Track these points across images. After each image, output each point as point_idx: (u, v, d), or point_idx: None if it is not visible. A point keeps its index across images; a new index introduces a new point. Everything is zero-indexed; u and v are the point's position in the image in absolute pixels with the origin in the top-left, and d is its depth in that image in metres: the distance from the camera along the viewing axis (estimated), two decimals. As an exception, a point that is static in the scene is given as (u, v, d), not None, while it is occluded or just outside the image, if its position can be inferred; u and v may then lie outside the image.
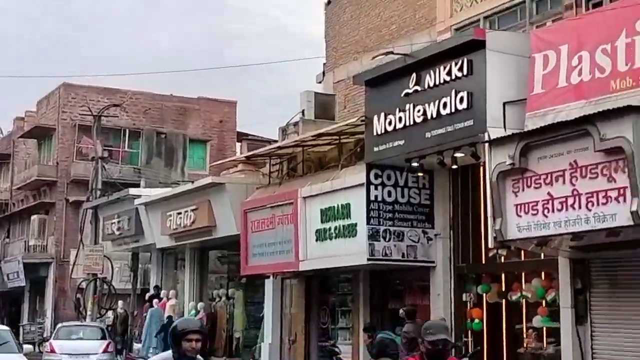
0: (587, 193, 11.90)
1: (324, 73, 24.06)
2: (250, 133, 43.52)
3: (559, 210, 12.31)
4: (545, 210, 12.54)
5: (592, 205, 11.81)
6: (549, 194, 12.51)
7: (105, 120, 33.60)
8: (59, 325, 25.37)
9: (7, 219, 45.97)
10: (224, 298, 26.72)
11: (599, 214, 11.71)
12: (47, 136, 41.55)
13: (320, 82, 24.30)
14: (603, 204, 11.65)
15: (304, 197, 19.27)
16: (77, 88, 40.23)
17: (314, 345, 21.82)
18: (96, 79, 42.43)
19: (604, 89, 12.40)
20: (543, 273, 15.41)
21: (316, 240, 18.76)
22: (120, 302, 29.99)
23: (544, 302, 15.24)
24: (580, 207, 11.99)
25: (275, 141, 27.21)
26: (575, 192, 12.08)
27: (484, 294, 16.49)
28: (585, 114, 12.07)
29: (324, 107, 22.68)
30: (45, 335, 38.69)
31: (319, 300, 22.12)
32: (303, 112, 22.66)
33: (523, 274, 16.10)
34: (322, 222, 18.53)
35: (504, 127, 13.71)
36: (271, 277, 22.40)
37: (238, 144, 43.53)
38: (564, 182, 12.29)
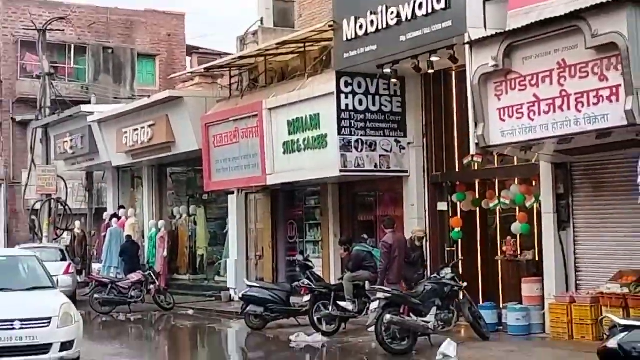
0: (576, 93, 11.45)
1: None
2: (201, 46, 42.54)
3: (546, 113, 11.87)
4: (531, 113, 12.08)
5: (582, 106, 11.37)
6: (535, 95, 12.04)
7: (49, 36, 32.11)
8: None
9: (-48, 142, 44.60)
10: (185, 215, 26.09)
11: (589, 114, 11.27)
12: (-9, 53, 39.98)
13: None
14: (594, 104, 11.23)
15: (269, 109, 18.55)
16: (17, 1, 38.50)
17: (282, 259, 21.47)
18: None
19: (593, -18, 11.75)
20: (518, 179, 14.98)
21: (284, 153, 18.16)
22: (77, 223, 29.19)
23: (517, 208, 15.02)
24: (569, 108, 11.54)
25: (228, 54, 26.41)
26: (563, 93, 11.62)
27: (459, 203, 16.14)
28: (573, 9, 11.41)
29: (283, 14, 21.83)
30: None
31: (286, 215, 21.68)
32: (262, 20, 21.78)
33: (497, 181, 15.80)
34: (289, 134, 17.90)
35: (485, 27, 13.10)
36: (235, 193, 21.87)
37: (188, 58, 42.58)
38: (551, 82, 11.82)
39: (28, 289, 12.28)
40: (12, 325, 10.72)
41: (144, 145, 24.13)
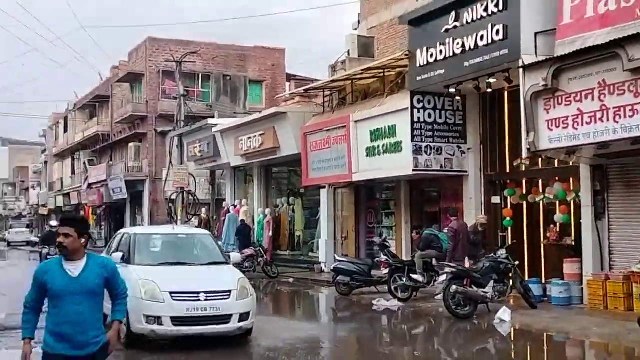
0: (614, 107, 10.84)
1: (359, 21, 22.82)
2: (297, 74, 42.62)
3: (588, 124, 11.26)
4: (575, 124, 11.47)
5: (619, 117, 10.77)
6: (578, 109, 11.42)
7: (183, 67, 32.60)
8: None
9: (110, 147, 45.64)
10: (285, 205, 26.05)
11: (625, 125, 10.69)
12: (138, 80, 40.74)
13: (356, 29, 23.06)
14: (630, 116, 10.63)
15: (355, 121, 18.31)
16: (160, 41, 39.34)
17: (363, 240, 21.15)
18: (174, 33, 41.77)
19: (629, 16, 11.07)
20: (559, 178, 14.35)
21: (366, 156, 17.87)
22: (203, 209, 29.41)
23: (557, 202, 14.40)
24: (608, 119, 10.94)
25: (318, 80, 26.30)
26: (603, 107, 11.01)
27: (509, 197, 15.57)
28: (612, 39, 10.82)
29: (365, 47, 21.43)
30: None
31: (366, 205, 21.35)
32: (348, 52, 21.48)
33: (540, 180, 15.16)
34: (371, 141, 17.60)
35: (536, 54, 12.49)
36: (326, 187, 21.68)
37: (287, 83, 42.68)
38: (592, 99, 11.20)
39: (206, 264, 11.12)
40: (198, 297, 9.74)
41: (255, 150, 24.16)
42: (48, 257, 18.82)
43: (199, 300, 9.70)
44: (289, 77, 42.28)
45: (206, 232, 14.27)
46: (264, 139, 23.35)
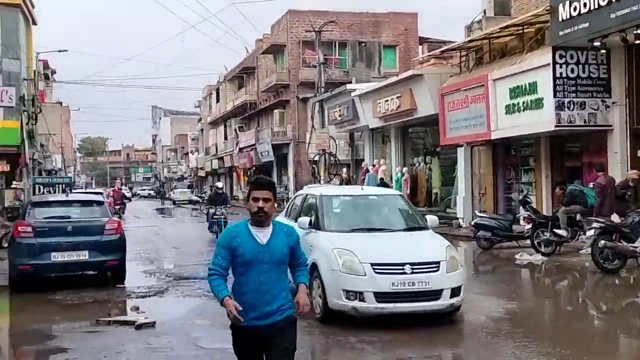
0: None
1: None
2: (429, 37, 41.39)
3: None
4: None
5: None
6: None
7: (321, 36, 32.58)
8: (306, 187, 25.14)
9: (257, 114, 46.88)
10: (422, 164, 25.48)
11: None
12: (280, 51, 41.36)
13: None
14: None
15: (494, 80, 17.45)
16: (299, 13, 39.62)
17: (501, 196, 20.31)
18: (312, 4, 42.03)
19: None
20: None
21: (505, 113, 17.02)
22: (344, 169, 29.56)
23: None
24: None
25: (450, 41, 25.28)
26: None
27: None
28: None
29: (501, 6, 20.33)
30: (289, 195, 39.54)
31: (504, 162, 20.41)
32: (484, 11, 20.47)
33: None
34: (510, 98, 16.72)
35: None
36: (463, 146, 20.92)
37: (420, 47, 41.56)
38: None
39: (405, 230, 9.07)
40: (403, 269, 7.86)
41: (392, 112, 23.73)
42: (214, 217, 19.60)
43: (405, 273, 7.88)
44: (422, 41, 41.08)
45: (397, 192, 12.77)
46: (401, 101, 22.85)
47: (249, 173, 50.62)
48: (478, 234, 15.84)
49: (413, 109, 22.51)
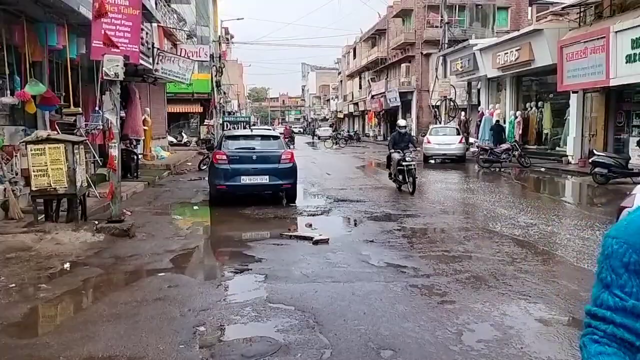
0: None
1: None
2: (538, -1, 37.07)
3: None
4: None
5: None
6: None
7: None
8: (431, 127, 23.57)
9: (386, 68, 44.91)
10: (534, 108, 22.91)
11: None
12: (408, 15, 38.87)
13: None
14: None
15: (615, 32, 14.75)
16: (426, -20, 36.81)
17: (611, 137, 17.67)
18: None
19: None
20: None
21: (625, 62, 14.43)
22: (462, 113, 27.50)
23: None
24: None
25: (558, 3, 22.04)
26: None
27: None
28: None
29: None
30: (411, 134, 37.92)
31: (616, 107, 17.63)
32: (606, -31, 17.25)
33: None
34: (632, 48, 14.10)
35: None
36: (578, 92, 18.31)
37: (529, 8, 37.35)
38: None
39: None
40: None
41: (510, 63, 21.35)
42: (402, 164, 12.04)
43: None
44: (531, 2, 37.02)
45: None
46: (520, 53, 20.41)
47: (379, 116, 49.23)
48: (595, 170, 13.81)
49: (531, 60, 20.06)
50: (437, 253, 6.83)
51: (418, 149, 13.90)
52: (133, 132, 15.00)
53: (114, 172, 7.74)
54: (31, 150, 7.22)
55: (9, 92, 8.07)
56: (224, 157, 10.51)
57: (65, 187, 7.43)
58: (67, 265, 6.27)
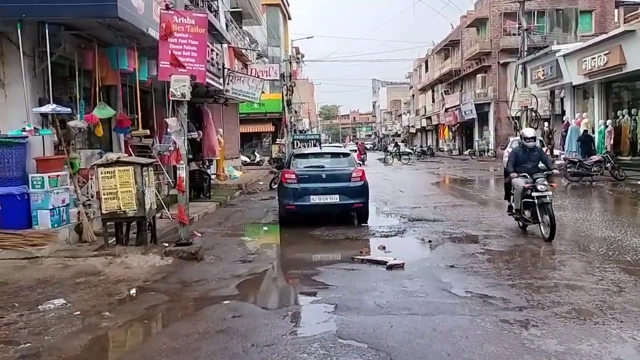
0: None
1: None
2: (625, 0, 34.55)
3: None
4: None
5: None
6: None
7: (524, 6, 28.38)
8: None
9: (460, 79, 43.55)
10: (626, 116, 20.95)
11: None
12: (483, 24, 37.52)
13: None
14: None
15: None
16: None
17: None
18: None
19: None
20: None
21: None
22: (545, 123, 25.81)
23: None
24: None
25: None
26: None
27: None
28: None
29: None
30: (489, 147, 36.19)
31: None
32: None
33: None
34: None
35: None
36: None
37: (616, 10, 34.93)
38: None
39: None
40: None
41: (599, 68, 19.75)
42: (532, 194, 8.41)
43: None
44: (617, 4, 34.61)
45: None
46: (609, 57, 18.81)
47: (453, 129, 47.73)
48: None
49: (622, 64, 18.42)
50: (529, 281, 6.03)
51: (555, 171, 9.06)
52: (210, 152, 15.15)
53: (182, 193, 7.61)
54: (101, 173, 7.24)
55: (79, 115, 8.21)
56: (293, 176, 10.22)
57: (135, 210, 7.37)
58: (133, 291, 6.11)
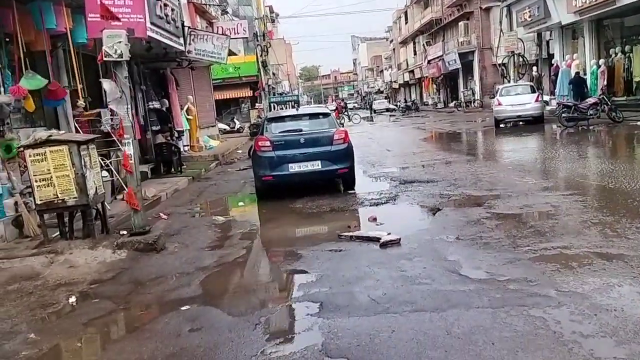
0: None
1: None
2: None
3: None
4: None
5: None
6: None
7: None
8: (501, 86, 20.99)
9: (442, 29, 41.77)
10: (620, 54, 19.82)
11: None
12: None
13: None
14: None
15: None
16: None
17: None
18: None
19: None
20: None
21: None
22: (534, 68, 24.62)
23: None
24: None
25: None
26: None
27: None
28: None
29: None
30: (475, 98, 34.99)
31: None
32: None
33: None
34: None
35: None
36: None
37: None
38: None
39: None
40: None
41: (590, 4, 18.47)
42: None
43: None
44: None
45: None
46: (603, -10, 17.46)
47: (437, 81, 46.37)
48: None
49: (615, -1, 17.10)
50: (554, 252, 4.96)
51: None
52: (176, 123, 13.82)
53: (131, 174, 6.37)
54: (30, 155, 5.96)
55: (3, 88, 6.84)
56: (268, 143, 9.00)
57: (75, 198, 6.15)
58: (73, 300, 4.96)
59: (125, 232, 6.80)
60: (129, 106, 6.22)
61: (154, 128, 12.70)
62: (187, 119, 17.04)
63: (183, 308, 4.48)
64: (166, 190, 10.51)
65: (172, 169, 12.73)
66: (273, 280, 5.17)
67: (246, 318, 4.15)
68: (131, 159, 6.23)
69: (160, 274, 5.55)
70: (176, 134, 13.79)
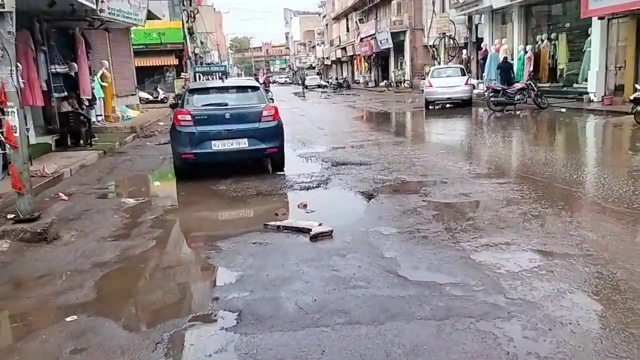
0: None
1: None
2: None
3: None
4: None
5: None
6: None
7: None
8: (432, 68, 20.91)
9: (375, 7, 41.26)
10: (546, 41, 20.28)
11: None
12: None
13: None
14: None
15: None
16: None
17: (643, 68, 15.24)
18: None
19: None
20: None
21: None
22: (464, 51, 24.80)
23: None
24: None
25: None
26: None
27: None
28: None
29: None
30: (406, 78, 35.09)
31: (651, 33, 15.13)
32: None
33: None
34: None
35: None
36: (603, 19, 15.74)
37: None
38: None
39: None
40: None
41: (521, -11, 18.55)
42: None
43: None
44: None
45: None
46: (533, -24, 17.60)
47: (369, 60, 46.17)
48: (638, 108, 11.52)
49: (545, -16, 17.29)
50: (496, 249, 4.57)
51: None
52: (84, 90, 12.41)
53: (16, 149, 5.32)
54: None
55: None
56: (189, 117, 8.09)
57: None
58: None
59: (12, 217, 5.76)
60: (14, 68, 5.14)
61: (57, 95, 11.27)
62: (102, 85, 15.53)
63: (68, 319, 3.66)
64: (70, 166, 9.32)
65: (81, 142, 11.42)
66: (184, 281, 4.41)
67: (146, 334, 3.40)
68: (16, 132, 5.18)
69: (48, 271, 4.65)
70: (86, 102, 12.39)
